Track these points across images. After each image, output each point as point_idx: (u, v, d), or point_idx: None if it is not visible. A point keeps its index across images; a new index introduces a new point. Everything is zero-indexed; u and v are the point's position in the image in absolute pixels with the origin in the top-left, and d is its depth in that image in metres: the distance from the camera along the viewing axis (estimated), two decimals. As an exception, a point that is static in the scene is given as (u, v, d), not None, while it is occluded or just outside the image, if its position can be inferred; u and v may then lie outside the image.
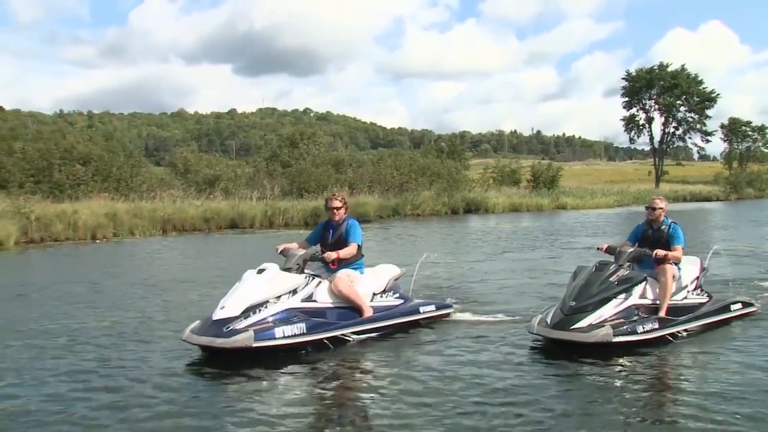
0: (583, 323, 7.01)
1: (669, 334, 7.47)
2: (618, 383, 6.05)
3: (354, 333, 7.53)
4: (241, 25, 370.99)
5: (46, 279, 12.76)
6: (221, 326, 6.68)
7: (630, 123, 75.07)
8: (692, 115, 72.93)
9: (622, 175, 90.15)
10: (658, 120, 74.38)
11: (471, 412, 5.19)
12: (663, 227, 8.09)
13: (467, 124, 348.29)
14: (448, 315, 8.78)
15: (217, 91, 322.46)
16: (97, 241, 20.82)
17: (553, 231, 24.87)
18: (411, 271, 9.46)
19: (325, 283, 7.64)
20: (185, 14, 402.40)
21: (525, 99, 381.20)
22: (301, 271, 7.51)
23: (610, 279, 7.39)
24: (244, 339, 6.56)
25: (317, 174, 34.62)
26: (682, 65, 72.75)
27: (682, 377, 6.34)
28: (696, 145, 78.24)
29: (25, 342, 7.48)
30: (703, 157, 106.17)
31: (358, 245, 7.92)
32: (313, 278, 7.57)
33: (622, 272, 7.50)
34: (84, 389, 5.78)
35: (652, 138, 75.09)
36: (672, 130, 74.22)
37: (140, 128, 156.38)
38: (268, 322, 6.87)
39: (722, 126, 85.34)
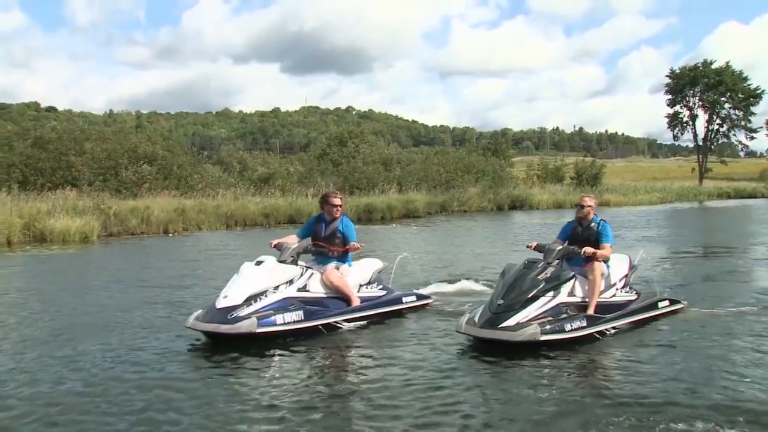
0: (510, 322, 6.95)
1: (597, 332, 7.43)
2: (545, 381, 6.02)
3: (344, 321, 8.08)
4: (291, 25, 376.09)
5: (146, 265, 14.28)
6: (225, 314, 7.16)
7: (674, 120, 75.01)
8: (737, 112, 72.64)
9: (666, 173, 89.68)
10: (702, 117, 74.28)
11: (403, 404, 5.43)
12: (592, 225, 8.19)
13: (511, 122, 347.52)
14: (427, 305, 9.31)
15: (263, 90, 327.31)
16: (169, 234, 22.32)
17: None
18: (391, 266, 10.01)
19: (317, 275, 8.18)
20: (236, 15, 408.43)
21: (570, 96, 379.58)
22: (295, 263, 8.06)
23: (539, 277, 7.33)
24: (248, 325, 7.06)
25: (368, 172, 36.04)
26: (727, 62, 72.51)
27: (607, 374, 6.39)
28: (740, 142, 77.87)
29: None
30: (750, 154, 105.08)
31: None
32: (307, 270, 8.10)
33: (551, 270, 7.45)
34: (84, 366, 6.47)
35: (695, 135, 74.98)
36: (716, 127, 73.98)
37: (186, 127, 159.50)
38: (268, 310, 7.36)
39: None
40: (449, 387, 5.79)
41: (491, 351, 6.85)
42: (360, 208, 29.58)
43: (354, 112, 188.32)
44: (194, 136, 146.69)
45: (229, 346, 6.98)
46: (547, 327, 6.97)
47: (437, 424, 5.00)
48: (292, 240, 8.40)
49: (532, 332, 6.81)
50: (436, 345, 7.30)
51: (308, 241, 8.57)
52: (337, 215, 8.56)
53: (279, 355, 6.90)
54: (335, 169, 37.53)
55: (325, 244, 8.48)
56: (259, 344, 7.05)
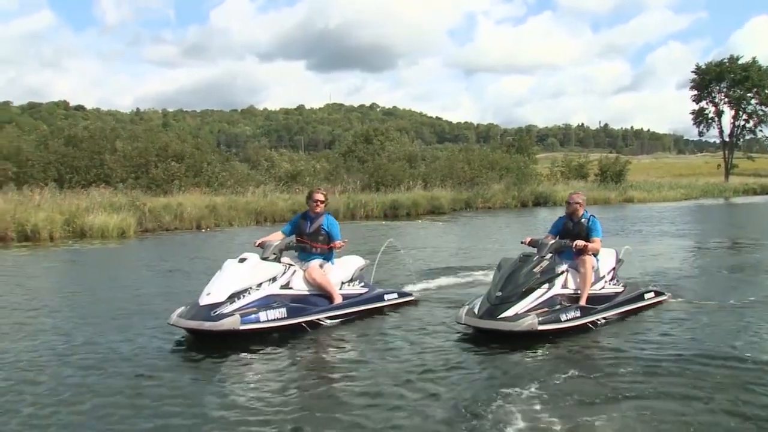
0: (509, 312, 7.22)
1: (590, 322, 7.74)
2: (544, 368, 6.26)
3: (327, 318, 8.15)
4: (317, 23, 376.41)
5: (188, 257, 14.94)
6: (209, 311, 7.20)
7: (699, 116, 74.47)
8: (763, 107, 71.95)
9: (692, 169, 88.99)
10: (728, 113, 73.68)
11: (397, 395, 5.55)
12: (583, 220, 8.46)
13: (536, 119, 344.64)
14: (408, 303, 9.36)
15: (288, 88, 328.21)
16: (202, 230, 23.00)
17: (612, 222, 26.05)
18: (374, 260, 10.14)
19: (300, 272, 8.29)
20: (262, 13, 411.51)
21: (596, 92, 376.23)
22: (278, 261, 8.14)
23: (534, 270, 7.60)
24: (231, 322, 7.12)
25: (393, 169, 36.56)
26: (753, 58, 71.79)
27: (603, 359, 6.59)
28: (767, 138, 77.18)
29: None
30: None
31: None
32: (290, 267, 8.20)
33: (545, 263, 7.73)
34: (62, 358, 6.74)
35: (721, 131, 74.41)
36: (742, 123, 73.34)
37: (212, 125, 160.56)
38: (252, 307, 7.43)
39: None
40: (446, 376, 6.00)
41: (489, 340, 7.15)
42: (386, 205, 30.18)
43: (378, 109, 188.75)
44: (219, 133, 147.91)
45: (212, 343, 7.12)
46: (544, 318, 7.27)
47: (435, 412, 5.14)
48: (276, 238, 8.57)
49: (531, 322, 7.11)
50: (433, 336, 7.51)
51: (291, 238, 8.73)
52: (318, 210, 8.72)
53: (262, 351, 6.97)
54: (361, 166, 38.11)
55: (309, 240, 8.65)
56: (242, 341, 7.14)
